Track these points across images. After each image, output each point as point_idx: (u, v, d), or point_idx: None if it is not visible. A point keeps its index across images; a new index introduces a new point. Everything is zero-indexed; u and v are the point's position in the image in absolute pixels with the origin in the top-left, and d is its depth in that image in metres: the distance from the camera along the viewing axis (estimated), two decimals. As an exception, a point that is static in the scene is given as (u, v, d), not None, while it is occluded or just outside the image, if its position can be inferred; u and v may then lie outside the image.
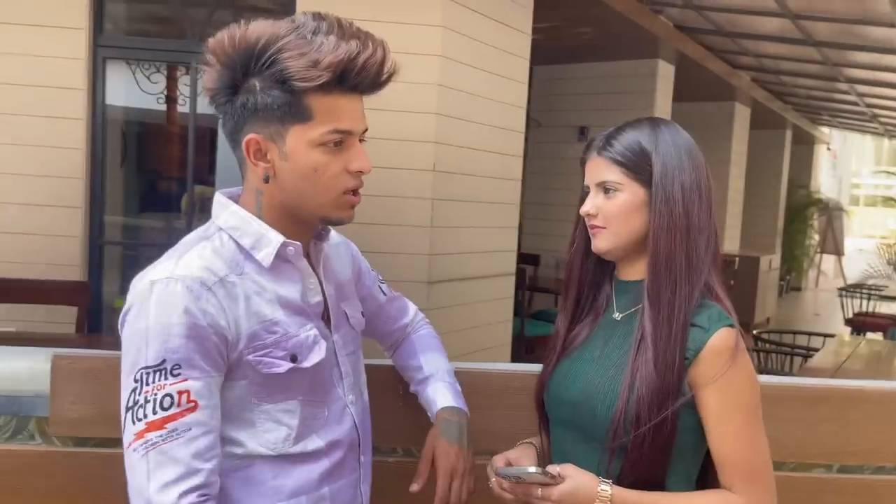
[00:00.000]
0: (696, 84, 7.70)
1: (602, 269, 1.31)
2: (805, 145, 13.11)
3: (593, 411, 1.18)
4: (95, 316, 3.83)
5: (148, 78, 4.16)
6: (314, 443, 1.16)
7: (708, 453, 1.19)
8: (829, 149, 15.66)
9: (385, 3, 3.82)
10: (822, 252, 14.28)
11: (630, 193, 1.19)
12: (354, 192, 1.12)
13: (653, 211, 1.18)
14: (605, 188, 1.21)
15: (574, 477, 1.13)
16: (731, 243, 9.34)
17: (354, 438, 1.24)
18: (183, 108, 4.15)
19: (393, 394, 1.50)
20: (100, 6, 3.85)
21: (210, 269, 1.06)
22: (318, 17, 1.05)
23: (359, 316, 1.32)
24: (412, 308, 1.52)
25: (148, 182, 5.27)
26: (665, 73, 6.78)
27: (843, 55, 6.49)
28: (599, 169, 1.22)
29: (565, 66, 7.03)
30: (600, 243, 1.23)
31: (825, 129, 13.51)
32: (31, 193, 3.76)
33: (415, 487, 1.24)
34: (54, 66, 3.75)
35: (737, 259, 8.81)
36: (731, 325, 1.15)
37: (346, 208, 1.12)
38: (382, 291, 1.46)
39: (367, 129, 1.12)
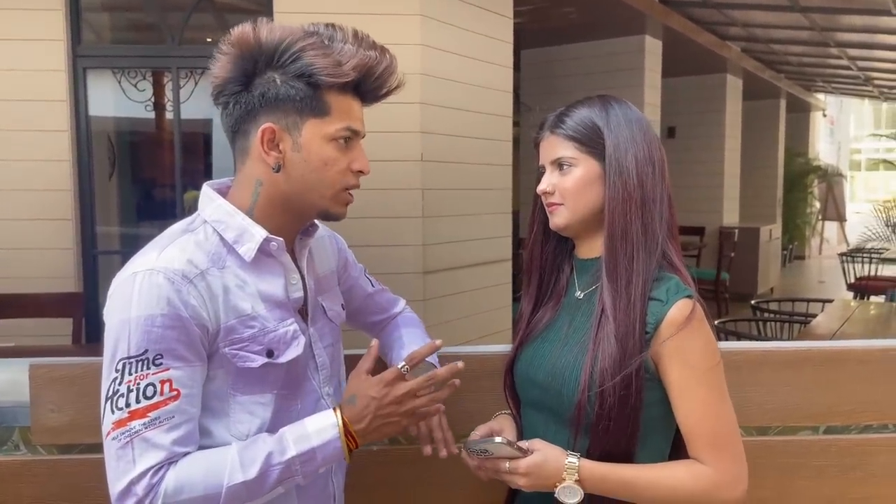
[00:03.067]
0: (685, 58, 7.65)
1: (561, 250, 1.32)
2: (801, 113, 13.04)
3: (560, 392, 1.18)
4: (94, 326, 3.84)
5: (135, 86, 4.14)
6: None
7: (679, 428, 1.19)
8: (825, 115, 15.58)
9: (361, -4, 3.81)
10: (823, 219, 14.22)
11: (584, 168, 1.21)
12: (351, 190, 1.18)
13: (607, 183, 1.19)
14: (560, 164, 1.22)
15: (542, 450, 1.13)
16: (730, 216, 9.30)
17: None
18: (171, 114, 4.15)
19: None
20: (76, 17, 3.84)
21: (192, 261, 1.08)
22: (331, 26, 1.13)
23: (337, 309, 1.33)
24: (402, 301, 1.55)
25: (143, 190, 5.26)
26: (653, 48, 6.73)
27: (830, 19, 6.45)
28: (553, 147, 1.23)
29: (553, 49, 7.01)
30: (558, 219, 1.24)
31: (820, 96, 13.43)
32: (20, 208, 3.77)
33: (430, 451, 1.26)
34: (34, 80, 3.75)
35: (736, 231, 8.77)
36: (689, 296, 1.15)
37: (342, 204, 1.18)
38: (371, 283, 1.49)
39: (364, 136, 1.19)
